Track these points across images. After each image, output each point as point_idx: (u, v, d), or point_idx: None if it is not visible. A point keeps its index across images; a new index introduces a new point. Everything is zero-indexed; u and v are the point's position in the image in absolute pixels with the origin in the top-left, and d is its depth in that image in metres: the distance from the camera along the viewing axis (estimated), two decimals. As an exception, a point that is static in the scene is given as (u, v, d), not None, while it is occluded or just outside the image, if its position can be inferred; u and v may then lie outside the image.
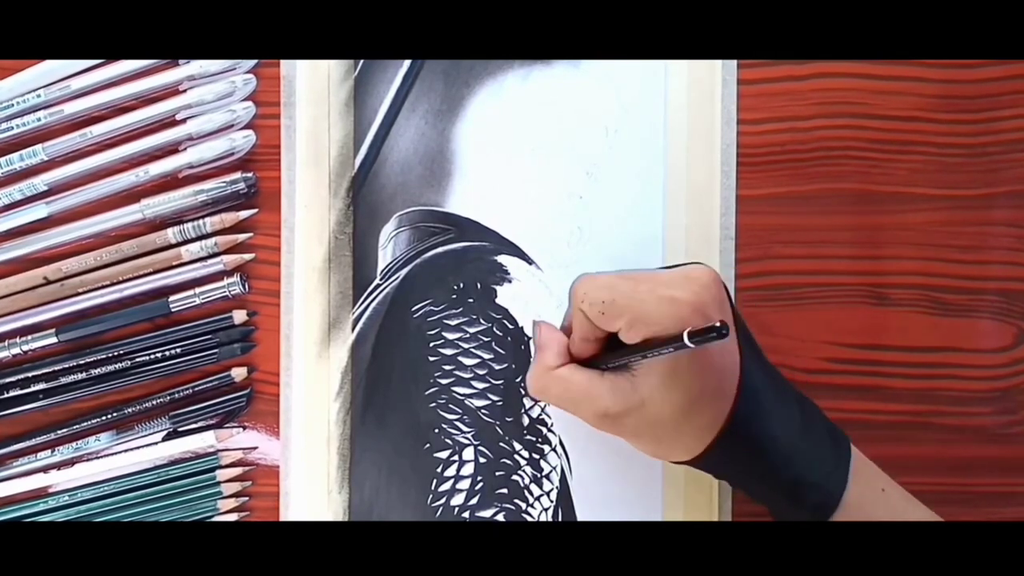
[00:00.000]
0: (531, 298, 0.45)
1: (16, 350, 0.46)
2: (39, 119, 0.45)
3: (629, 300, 0.35)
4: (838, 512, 0.37)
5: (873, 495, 0.38)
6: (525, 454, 0.45)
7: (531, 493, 0.45)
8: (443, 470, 0.45)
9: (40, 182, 0.46)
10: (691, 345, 0.33)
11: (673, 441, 0.37)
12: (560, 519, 0.45)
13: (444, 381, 0.45)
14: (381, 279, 0.46)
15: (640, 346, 0.35)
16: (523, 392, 0.45)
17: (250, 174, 0.46)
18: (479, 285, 0.45)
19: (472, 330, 0.45)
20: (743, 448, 0.37)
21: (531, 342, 0.44)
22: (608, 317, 0.36)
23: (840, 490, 0.37)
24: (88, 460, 0.46)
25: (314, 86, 0.45)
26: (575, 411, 0.38)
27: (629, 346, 0.36)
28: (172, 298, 0.46)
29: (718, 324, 0.31)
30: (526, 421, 0.45)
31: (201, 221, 0.45)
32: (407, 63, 0.46)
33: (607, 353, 0.38)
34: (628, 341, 0.36)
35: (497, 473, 0.45)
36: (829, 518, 0.37)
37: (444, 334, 0.45)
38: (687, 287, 0.35)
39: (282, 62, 0.45)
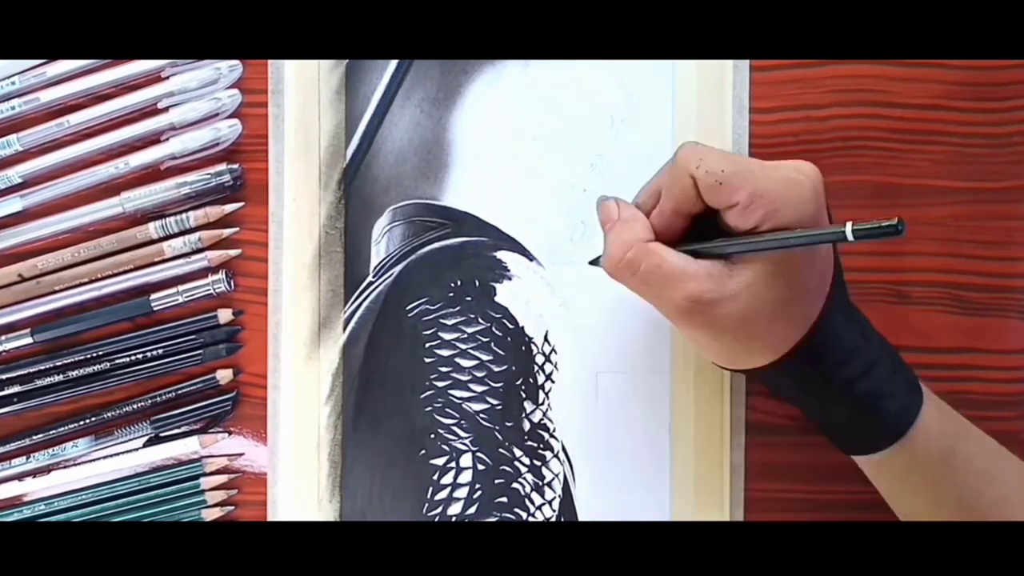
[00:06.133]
0: (532, 296, 0.45)
1: (-11, 351, 0.46)
2: (13, 107, 0.45)
3: (750, 174, 0.33)
4: (914, 430, 0.36)
5: (951, 420, 0.37)
6: (526, 461, 0.44)
7: (532, 502, 0.45)
8: (439, 477, 0.45)
9: (14, 174, 0.45)
10: (852, 240, 0.30)
11: (763, 338, 0.35)
12: (563, 529, 0.44)
13: (440, 384, 0.45)
14: (374, 276, 0.45)
15: (770, 233, 0.33)
16: (523, 395, 0.44)
17: (236, 166, 0.45)
18: (477, 282, 0.45)
19: (470, 330, 0.45)
20: (829, 350, 0.35)
21: (599, 221, 0.38)
22: (726, 188, 0.34)
23: (918, 406, 0.36)
24: (65, 467, 0.46)
25: (303, 73, 0.45)
26: (660, 293, 0.35)
27: (748, 233, 0.33)
28: (154, 296, 0.45)
29: (896, 221, 0.29)
30: (527, 426, 0.45)
31: (184, 215, 0.45)
32: (401, 49, 0.46)
33: (708, 238, 0.35)
34: (739, 222, 0.34)
35: (496, 481, 0.44)
36: (904, 434, 0.36)
37: (440, 334, 0.45)
38: (806, 170, 0.34)
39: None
